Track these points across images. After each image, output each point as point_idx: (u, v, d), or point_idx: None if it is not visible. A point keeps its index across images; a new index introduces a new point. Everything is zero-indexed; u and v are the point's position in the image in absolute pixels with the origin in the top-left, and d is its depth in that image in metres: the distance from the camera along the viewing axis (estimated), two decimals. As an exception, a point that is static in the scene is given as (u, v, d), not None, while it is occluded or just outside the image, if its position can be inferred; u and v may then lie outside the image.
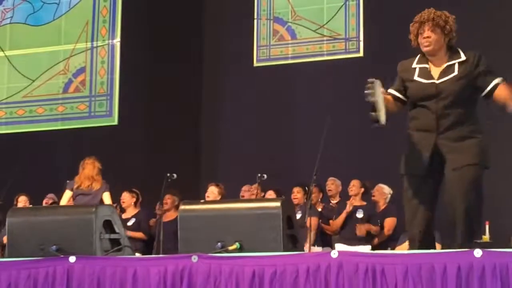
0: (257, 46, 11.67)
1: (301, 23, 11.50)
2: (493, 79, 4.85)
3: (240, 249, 4.77)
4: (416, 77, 4.96)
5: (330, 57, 11.25)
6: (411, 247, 4.97)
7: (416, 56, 5.05)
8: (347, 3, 11.27)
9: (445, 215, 4.87)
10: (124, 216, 9.54)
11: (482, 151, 4.84)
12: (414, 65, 5.01)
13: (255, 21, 11.74)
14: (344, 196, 9.27)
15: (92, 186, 8.18)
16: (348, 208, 8.73)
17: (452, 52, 4.94)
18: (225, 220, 4.93)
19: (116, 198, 9.67)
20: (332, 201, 9.46)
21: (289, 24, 11.57)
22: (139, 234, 9.29)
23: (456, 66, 4.89)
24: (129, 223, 9.34)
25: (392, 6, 10.68)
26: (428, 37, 4.89)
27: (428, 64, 4.97)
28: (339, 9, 11.30)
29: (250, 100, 11.38)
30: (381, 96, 4.85)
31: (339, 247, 8.45)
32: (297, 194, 9.01)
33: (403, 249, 7.83)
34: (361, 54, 11.08)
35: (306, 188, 8.74)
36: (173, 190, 9.34)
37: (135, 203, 9.62)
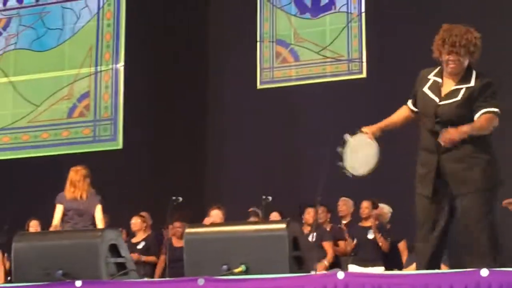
0: (260, 69, 11.71)
1: (304, 45, 11.54)
2: (483, 108, 4.79)
3: (246, 272, 4.76)
4: (425, 89, 4.96)
5: (333, 78, 11.28)
6: (418, 267, 4.96)
7: (436, 67, 5.01)
8: (350, 24, 11.31)
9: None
10: (134, 240, 9.52)
11: (483, 174, 4.78)
12: (430, 75, 4.99)
13: (258, 43, 11.78)
14: (356, 216, 9.20)
15: (75, 194, 7.86)
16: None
17: (466, 74, 4.88)
18: (231, 243, 4.93)
19: (120, 222, 9.66)
20: (343, 222, 9.35)
21: (292, 46, 11.61)
22: (151, 258, 9.24)
23: (463, 91, 4.84)
24: (139, 247, 9.31)
25: (394, 27, 10.72)
26: (454, 60, 4.83)
27: (442, 79, 4.93)
28: (342, 31, 11.34)
29: (254, 122, 11.39)
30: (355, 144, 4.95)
31: (352, 268, 8.40)
32: (307, 215, 8.96)
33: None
34: (364, 75, 11.11)
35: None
36: (184, 217, 9.32)
37: (145, 227, 9.60)
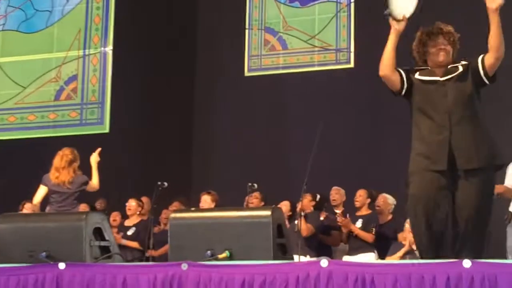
0: (248, 56, 11.70)
1: (292, 34, 11.54)
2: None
3: (230, 258, 4.78)
4: (417, 76, 4.92)
5: (321, 67, 11.29)
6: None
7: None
8: (338, 14, 11.32)
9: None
10: (126, 223, 9.41)
11: (490, 151, 4.77)
12: (416, 75, 4.96)
13: (247, 31, 11.77)
14: (348, 205, 9.15)
15: (58, 180, 7.67)
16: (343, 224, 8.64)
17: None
18: (215, 229, 4.95)
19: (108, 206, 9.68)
20: (336, 211, 9.31)
21: (281, 34, 11.61)
22: (134, 244, 9.13)
23: (460, 67, 4.87)
24: (129, 232, 9.21)
25: (383, 18, 10.71)
26: (444, 48, 4.87)
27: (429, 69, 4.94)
28: (330, 20, 11.34)
29: (242, 110, 11.40)
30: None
31: (347, 259, 8.38)
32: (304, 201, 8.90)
33: (393, 260, 7.80)
34: (351, 65, 11.12)
35: (317, 196, 8.72)
36: (182, 198, 9.31)
37: (140, 212, 9.49)
